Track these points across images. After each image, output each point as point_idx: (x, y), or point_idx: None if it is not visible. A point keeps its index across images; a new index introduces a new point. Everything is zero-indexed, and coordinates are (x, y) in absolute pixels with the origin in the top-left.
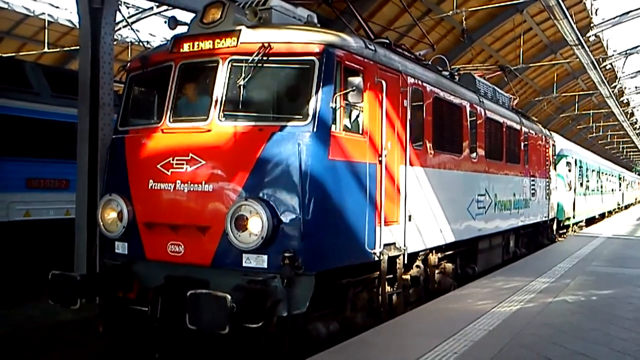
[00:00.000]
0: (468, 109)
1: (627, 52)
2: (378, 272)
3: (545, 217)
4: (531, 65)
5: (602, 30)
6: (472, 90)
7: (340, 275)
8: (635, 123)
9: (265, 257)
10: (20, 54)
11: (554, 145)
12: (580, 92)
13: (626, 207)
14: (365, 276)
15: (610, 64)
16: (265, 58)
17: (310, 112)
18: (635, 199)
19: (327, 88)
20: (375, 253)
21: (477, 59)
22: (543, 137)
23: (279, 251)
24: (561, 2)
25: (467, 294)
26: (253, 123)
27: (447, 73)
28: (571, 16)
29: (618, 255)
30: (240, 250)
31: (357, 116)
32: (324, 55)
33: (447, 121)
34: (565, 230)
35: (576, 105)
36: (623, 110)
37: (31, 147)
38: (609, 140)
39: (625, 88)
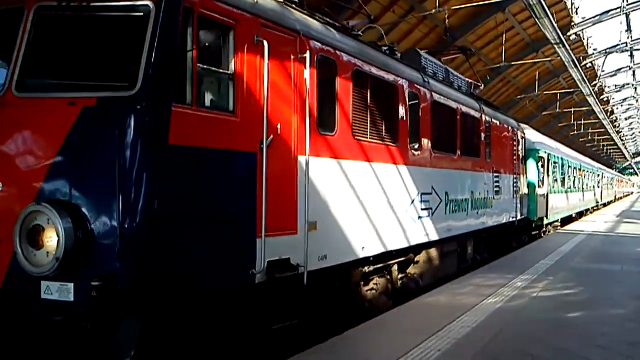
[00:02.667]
0: (407, 89)
1: (607, 50)
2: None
3: (513, 217)
4: (513, 63)
5: (582, 29)
6: (415, 67)
7: (205, 302)
8: (615, 121)
9: (72, 285)
10: None
11: (523, 137)
12: (562, 90)
13: (604, 205)
14: (244, 304)
15: (591, 62)
16: (82, 4)
17: (140, 79)
18: (615, 196)
19: (166, 44)
20: (254, 273)
21: (459, 56)
22: (510, 128)
23: (89, 277)
24: (542, 1)
25: (449, 290)
26: (62, 94)
27: (386, 48)
28: (552, 15)
29: (599, 252)
30: (36, 275)
31: (228, 88)
32: None
33: (375, 102)
34: (537, 232)
35: (557, 103)
36: (603, 108)
37: None
38: (589, 138)
39: (605, 86)
